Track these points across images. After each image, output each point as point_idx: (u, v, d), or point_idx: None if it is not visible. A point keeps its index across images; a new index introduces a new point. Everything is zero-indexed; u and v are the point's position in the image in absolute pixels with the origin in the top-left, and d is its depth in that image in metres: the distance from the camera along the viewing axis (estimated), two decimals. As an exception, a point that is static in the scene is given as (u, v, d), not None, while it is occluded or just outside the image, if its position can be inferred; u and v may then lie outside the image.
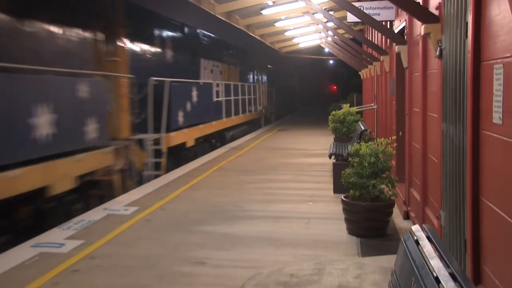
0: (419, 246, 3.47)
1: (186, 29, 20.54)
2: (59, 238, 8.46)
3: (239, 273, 6.73)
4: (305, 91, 69.91)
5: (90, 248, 7.89)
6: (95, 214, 10.09)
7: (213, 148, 21.86)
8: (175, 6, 18.39)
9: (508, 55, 3.86)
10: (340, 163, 11.60)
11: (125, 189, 12.84)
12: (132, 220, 9.51)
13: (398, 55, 10.13)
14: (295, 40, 29.64)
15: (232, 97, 25.86)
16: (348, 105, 19.26)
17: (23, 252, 7.77)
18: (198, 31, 22.60)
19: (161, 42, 17.93)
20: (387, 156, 8.43)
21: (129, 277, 6.69)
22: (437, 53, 6.53)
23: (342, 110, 18.38)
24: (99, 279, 6.68)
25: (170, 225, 9.15)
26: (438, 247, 3.35)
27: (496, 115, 4.18)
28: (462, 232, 5.38)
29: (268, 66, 41.94)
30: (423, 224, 3.82)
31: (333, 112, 18.69)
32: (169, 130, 16.13)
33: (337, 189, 11.11)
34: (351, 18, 13.81)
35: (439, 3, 6.55)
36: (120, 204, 10.95)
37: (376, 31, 15.75)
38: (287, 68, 53.97)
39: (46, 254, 7.64)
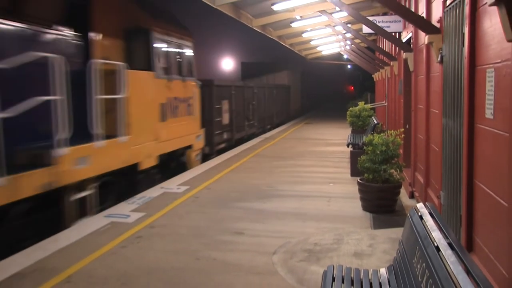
0: (423, 221, 3.48)
1: None
2: (125, 210, 8.62)
3: (272, 241, 6.76)
4: (327, 91, 69.56)
5: (150, 219, 8.01)
6: (154, 191, 10.22)
7: None
8: (220, 18, 17.80)
9: (499, 61, 3.83)
10: (357, 151, 11.57)
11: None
12: (184, 197, 9.61)
13: (406, 60, 10.05)
14: (318, 48, 29.35)
15: None
16: (363, 102, 19.11)
17: (98, 221, 7.98)
18: None
19: None
20: (396, 145, 8.39)
21: (181, 243, 6.78)
22: (439, 59, 6.48)
23: (358, 107, 18.25)
24: (157, 244, 6.78)
25: (214, 202, 9.23)
26: (438, 221, 3.36)
27: (488, 111, 4.15)
28: (458, 209, 5.36)
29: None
30: (426, 202, 3.83)
31: (351, 108, 18.59)
32: None
33: (354, 172, 11.11)
34: (366, 29, 13.74)
35: (440, 17, 6.49)
36: (174, 183, 11.07)
37: (387, 41, 15.60)
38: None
39: (116, 223, 7.81)
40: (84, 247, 6.66)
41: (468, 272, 2.61)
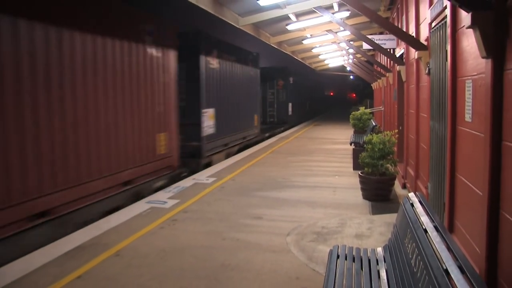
0: (413, 208, 3.54)
1: None
2: (163, 197, 8.73)
3: (286, 225, 6.82)
4: (333, 98, 69.49)
5: (183, 205, 8.11)
6: (187, 182, 10.32)
7: None
8: (245, 36, 17.78)
9: (475, 73, 3.86)
10: (358, 148, 11.56)
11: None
12: (212, 187, 9.69)
13: (399, 72, 10.02)
14: (326, 61, 29.27)
15: None
16: (363, 107, 19.03)
17: (141, 206, 8.12)
18: None
19: None
20: (391, 144, 8.40)
21: (210, 226, 6.86)
22: (426, 71, 6.49)
23: (359, 111, 18.21)
24: (189, 226, 6.88)
25: (238, 191, 9.29)
26: (426, 208, 3.42)
27: (467, 115, 4.17)
28: (442, 197, 5.37)
29: None
30: (416, 192, 3.88)
31: (353, 112, 18.54)
32: None
33: (356, 167, 11.12)
34: (365, 46, 13.66)
35: (427, 37, 6.49)
36: (204, 175, 11.15)
37: (383, 55, 15.55)
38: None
39: (155, 208, 7.92)
40: (130, 227, 6.80)
41: (449, 249, 2.67)
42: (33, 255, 5.65)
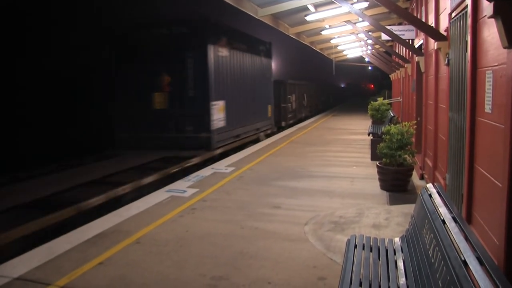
0: (431, 198, 3.51)
1: None
2: (183, 186, 8.80)
3: (304, 214, 6.82)
4: (352, 88, 69.10)
5: (203, 194, 8.16)
6: (206, 171, 10.39)
7: None
8: (263, 28, 17.78)
9: (496, 64, 3.79)
10: (376, 139, 11.49)
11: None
12: (231, 176, 9.73)
13: (418, 63, 9.91)
14: (344, 52, 29.03)
15: None
16: (381, 98, 18.82)
17: (161, 195, 8.18)
18: None
19: None
20: (409, 135, 8.33)
21: (228, 215, 6.90)
22: (446, 62, 6.40)
23: (377, 102, 18.04)
24: (208, 215, 6.93)
25: (256, 181, 9.31)
26: (444, 199, 3.39)
27: (487, 107, 4.11)
28: (460, 188, 5.32)
29: None
30: (434, 183, 3.84)
31: (371, 103, 18.40)
32: None
33: (374, 157, 11.05)
34: (384, 37, 13.52)
35: (447, 27, 6.40)
36: (223, 165, 11.21)
37: (402, 46, 15.37)
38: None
39: (175, 197, 7.98)
40: (150, 215, 6.87)
41: (467, 240, 2.65)
42: (57, 241, 5.75)
